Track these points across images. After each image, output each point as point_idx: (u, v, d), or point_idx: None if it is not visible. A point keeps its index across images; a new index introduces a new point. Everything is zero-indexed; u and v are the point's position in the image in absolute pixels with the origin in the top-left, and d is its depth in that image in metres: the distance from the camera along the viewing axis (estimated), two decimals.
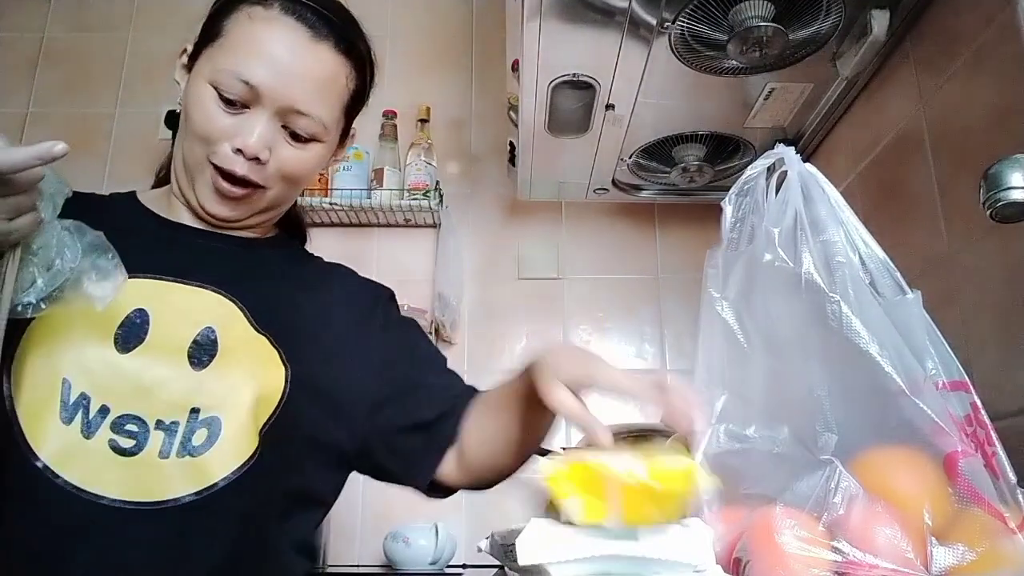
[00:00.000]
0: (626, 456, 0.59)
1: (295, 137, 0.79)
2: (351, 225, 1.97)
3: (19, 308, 0.62)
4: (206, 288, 0.77)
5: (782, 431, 0.79)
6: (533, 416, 0.76)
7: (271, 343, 0.76)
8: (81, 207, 0.67)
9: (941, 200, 1.13)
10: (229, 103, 0.75)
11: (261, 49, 0.75)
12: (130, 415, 0.68)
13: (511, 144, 1.69)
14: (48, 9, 2.21)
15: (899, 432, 0.73)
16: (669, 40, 1.26)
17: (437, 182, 1.92)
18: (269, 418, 0.73)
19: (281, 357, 0.75)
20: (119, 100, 2.12)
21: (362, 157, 1.94)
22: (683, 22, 1.21)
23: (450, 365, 0.89)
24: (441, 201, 1.91)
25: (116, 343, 0.71)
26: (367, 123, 2.00)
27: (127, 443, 0.67)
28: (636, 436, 1.39)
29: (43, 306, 0.63)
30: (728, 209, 0.89)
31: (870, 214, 1.26)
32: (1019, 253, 0.94)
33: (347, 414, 0.80)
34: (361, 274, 0.93)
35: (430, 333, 1.81)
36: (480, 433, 0.81)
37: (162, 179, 0.90)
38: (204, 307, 0.75)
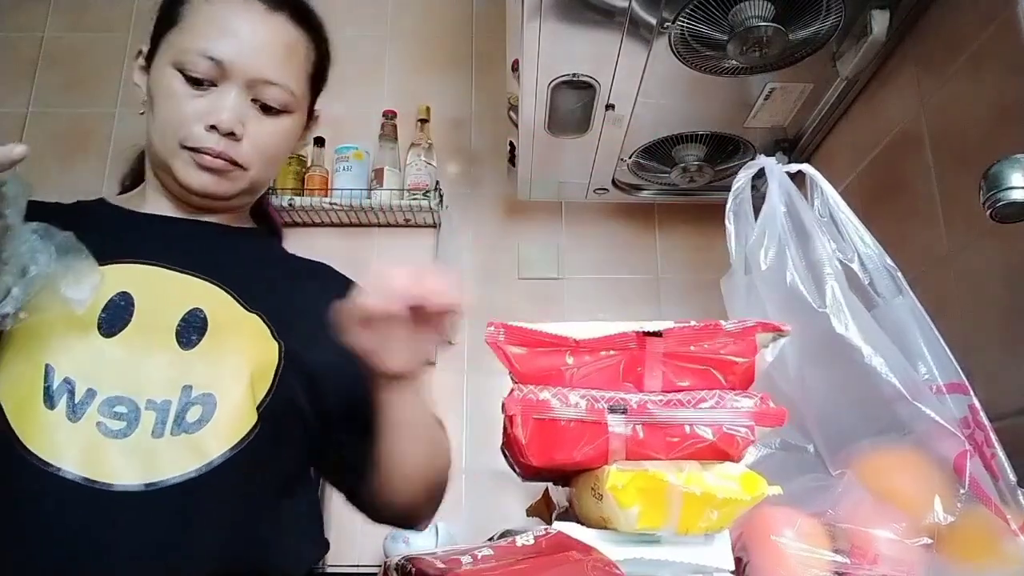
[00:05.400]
0: (686, 464, 0.60)
1: (266, 110, 0.80)
2: (351, 225, 1.97)
3: None
4: (189, 273, 0.76)
5: (782, 431, 0.79)
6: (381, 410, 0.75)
7: (263, 320, 0.76)
8: (47, 216, 0.65)
9: (941, 200, 1.13)
10: (196, 83, 0.76)
11: (221, 25, 0.77)
12: (118, 397, 0.67)
13: (511, 144, 1.69)
14: (48, 9, 2.21)
15: (899, 434, 0.73)
16: (669, 40, 1.26)
17: (437, 182, 1.92)
18: (267, 394, 0.72)
19: (273, 333, 0.75)
20: (119, 100, 2.12)
21: (362, 157, 1.94)
22: (683, 22, 1.21)
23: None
24: (441, 201, 1.91)
25: (100, 328, 0.70)
26: (367, 123, 2.00)
27: (116, 425, 0.66)
28: None
29: (21, 316, 0.62)
30: (730, 228, 0.89)
31: (870, 214, 1.25)
32: (1019, 253, 0.94)
33: (321, 398, 0.79)
34: (349, 275, 0.90)
35: None
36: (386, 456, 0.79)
37: (128, 187, 0.90)
38: (189, 290, 0.75)
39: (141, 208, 0.83)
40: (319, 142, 1.97)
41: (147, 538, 0.64)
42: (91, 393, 0.67)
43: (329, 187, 1.91)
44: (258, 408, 0.71)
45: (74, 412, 0.66)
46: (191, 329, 0.72)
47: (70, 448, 0.65)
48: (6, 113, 2.10)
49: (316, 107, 0.90)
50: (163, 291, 0.74)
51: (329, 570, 1.67)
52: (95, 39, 2.18)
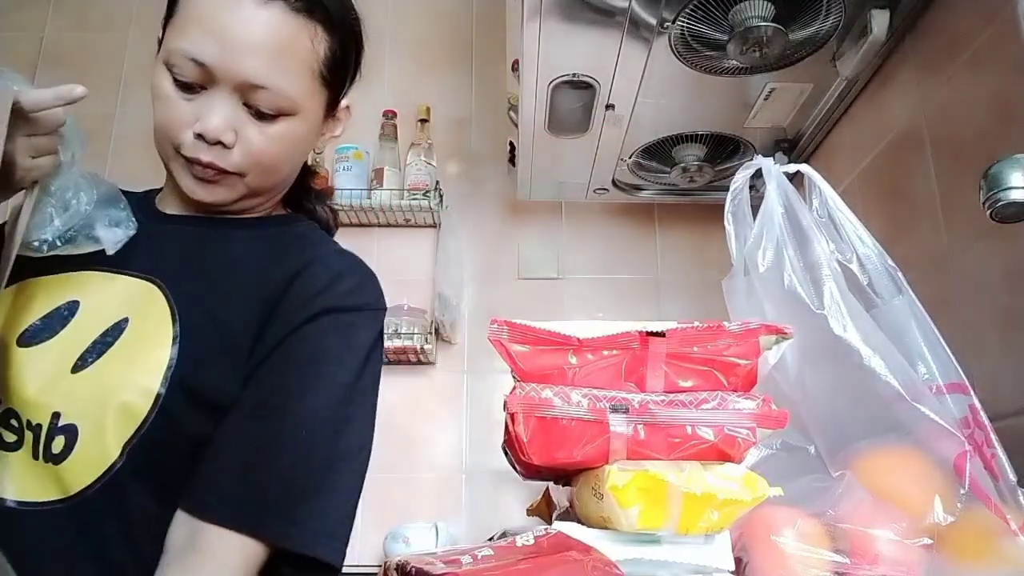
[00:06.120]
0: (687, 465, 0.60)
1: (260, 115, 0.72)
2: (351, 225, 1.97)
3: (35, 244, 0.66)
4: (137, 276, 0.73)
5: (783, 432, 0.79)
6: None
7: (175, 334, 0.69)
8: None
9: (941, 200, 1.13)
10: (185, 87, 0.71)
11: (207, 21, 0.70)
12: (12, 410, 0.67)
13: (511, 144, 1.69)
14: (48, 9, 2.21)
15: (899, 434, 0.73)
16: (669, 40, 1.26)
17: (437, 182, 1.92)
18: (137, 430, 0.67)
19: (177, 359, 0.68)
20: (119, 100, 2.12)
21: (362, 157, 1.94)
22: (683, 22, 1.21)
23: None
24: (441, 201, 1.91)
25: (23, 335, 0.69)
26: (367, 123, 2.00)
27: (10, 438, 0.66)
28: None
29: (58, 244, 0.67)
30: (729, 229, 0.89)
31: (870, 214, 1.26)
32: (1019, 253, 0.94)
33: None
34: (372, 280, 0.80)
35: (430, 333, 1.80)
36: None
37: None
38: (127, 297, 0.72)
39: (160, 203, 0.82)
40: None
41: (20, 550, 0.62)
42: None
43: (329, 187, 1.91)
44: (124, 444, 0.66)
45: None
46: (98, 347, 0.69)
47: None
48: None
49: (343, 97, 0.82)
50: (104, 300, 0.72)
51: None
52: (95, 39, 2.18)
